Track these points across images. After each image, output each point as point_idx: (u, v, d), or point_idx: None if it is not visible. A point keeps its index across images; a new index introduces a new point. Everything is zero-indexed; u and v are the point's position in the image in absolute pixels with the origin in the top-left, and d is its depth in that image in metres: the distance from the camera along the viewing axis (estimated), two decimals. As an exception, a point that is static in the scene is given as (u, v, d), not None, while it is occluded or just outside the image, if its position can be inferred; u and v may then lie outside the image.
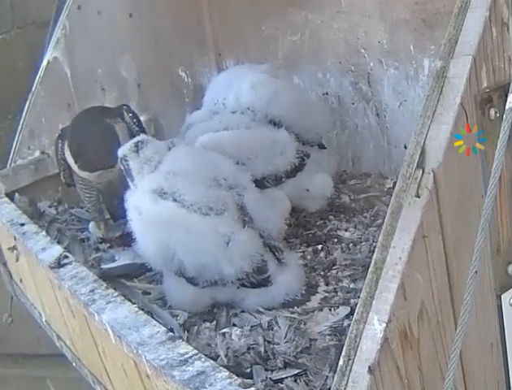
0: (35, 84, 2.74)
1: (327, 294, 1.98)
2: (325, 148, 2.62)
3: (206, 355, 1.58)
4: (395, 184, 1.36)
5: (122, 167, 2.09)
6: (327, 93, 2.80)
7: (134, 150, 2.07)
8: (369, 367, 1.26)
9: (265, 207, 2.01)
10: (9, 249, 2.45)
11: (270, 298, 1.95)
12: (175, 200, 1.93)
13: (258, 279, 1.92)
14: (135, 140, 2.10)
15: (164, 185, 1.96)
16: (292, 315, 1.91)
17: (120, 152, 2.08)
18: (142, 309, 1.79)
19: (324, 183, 2.52)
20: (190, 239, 1.90)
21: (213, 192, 1.95)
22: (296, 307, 1.93)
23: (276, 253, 1.98)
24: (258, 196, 2.02)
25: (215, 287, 1.93)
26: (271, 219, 2.01)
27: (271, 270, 1.94)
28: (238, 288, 1.93)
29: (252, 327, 1.88)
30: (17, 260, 2.40)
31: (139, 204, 1.97)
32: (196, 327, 1.90)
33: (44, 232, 2.30)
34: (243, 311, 1.94)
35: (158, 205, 1.93)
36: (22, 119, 2.83)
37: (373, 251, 1.34)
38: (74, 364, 2.37)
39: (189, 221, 1.91)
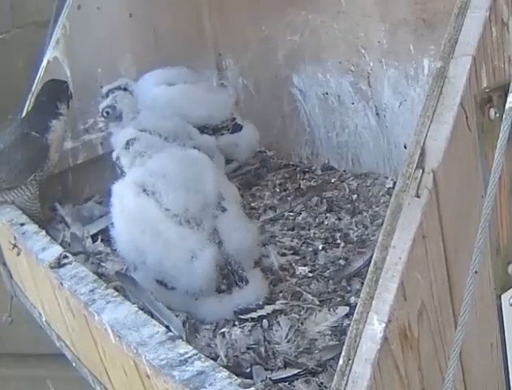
0: (35, 84, 2.74)
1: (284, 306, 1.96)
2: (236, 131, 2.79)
3: (205, 355, 1.58)
4: (395, 184, 1.36)
5: (117, 167, 2.10)
6: (327, 93, 2.80)
7: (126, 148, 2.09)
8: (369, 367, 1.26)
9: (238, 234, 1.99)
10: (10, 249, 2.44)
11: (223, 310, 1.94)
12: (156, 200, 1.93)
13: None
14: (127, 138, 2.11)
15: (148, 182, 1.97)
16: (292, 315, 1.92)
17: (114, 154, 2.10)
18: (142, 309, 1.79)
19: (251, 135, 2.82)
20: (159, 242, 1.93)
21: (193, 204, 1.95)
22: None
23: (236, 277, 1.97)
24: (233, 221, 2.01)
25: (170, 292, 1.95)
26: (240, 246, 2.00)
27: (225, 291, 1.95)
28: (197, 299, 1.94)
29: (252, 327, 1.89)
30: (18, 254, 2.39)
31: (122, 193, 2.00)
32: (195, 327, 1.91)
33: (44, 232, 2.30)
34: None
35: (140, 199, 1.95)
36: (22, 119, 2.83)
37: (373, 251, 1.34)
38: (74, 364, 2.37)
39: (164, 226, 1.93)
